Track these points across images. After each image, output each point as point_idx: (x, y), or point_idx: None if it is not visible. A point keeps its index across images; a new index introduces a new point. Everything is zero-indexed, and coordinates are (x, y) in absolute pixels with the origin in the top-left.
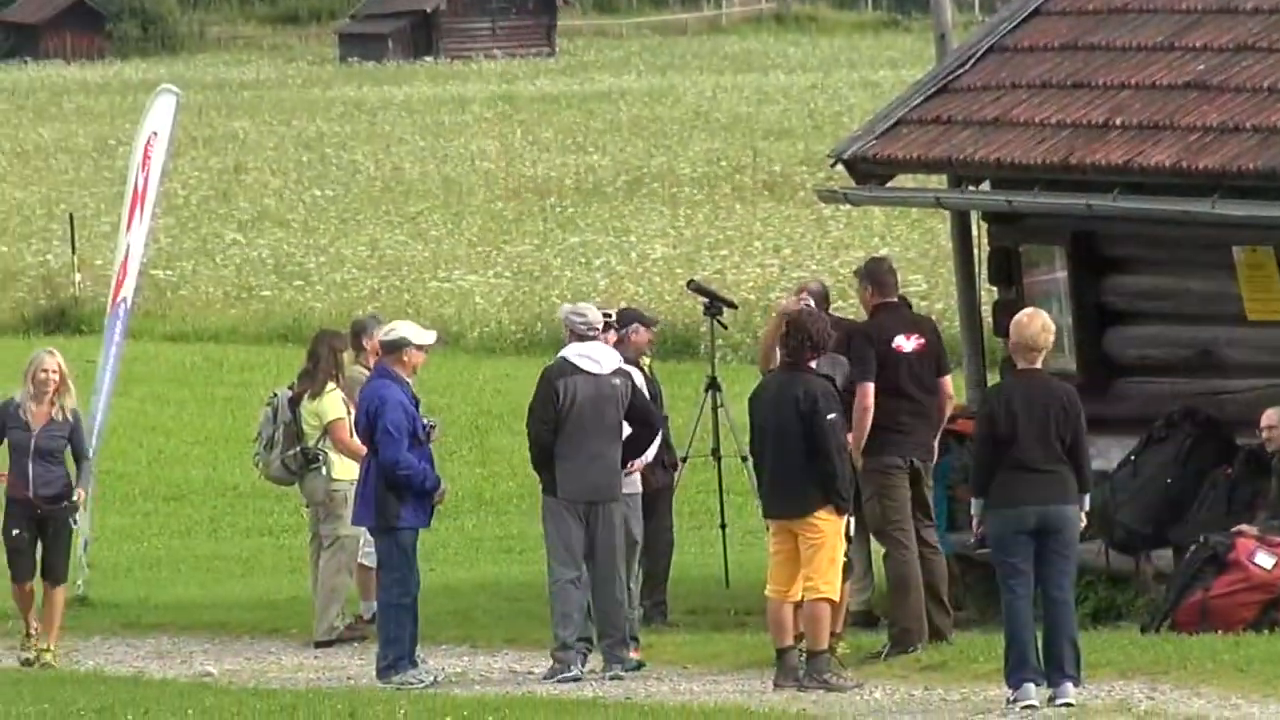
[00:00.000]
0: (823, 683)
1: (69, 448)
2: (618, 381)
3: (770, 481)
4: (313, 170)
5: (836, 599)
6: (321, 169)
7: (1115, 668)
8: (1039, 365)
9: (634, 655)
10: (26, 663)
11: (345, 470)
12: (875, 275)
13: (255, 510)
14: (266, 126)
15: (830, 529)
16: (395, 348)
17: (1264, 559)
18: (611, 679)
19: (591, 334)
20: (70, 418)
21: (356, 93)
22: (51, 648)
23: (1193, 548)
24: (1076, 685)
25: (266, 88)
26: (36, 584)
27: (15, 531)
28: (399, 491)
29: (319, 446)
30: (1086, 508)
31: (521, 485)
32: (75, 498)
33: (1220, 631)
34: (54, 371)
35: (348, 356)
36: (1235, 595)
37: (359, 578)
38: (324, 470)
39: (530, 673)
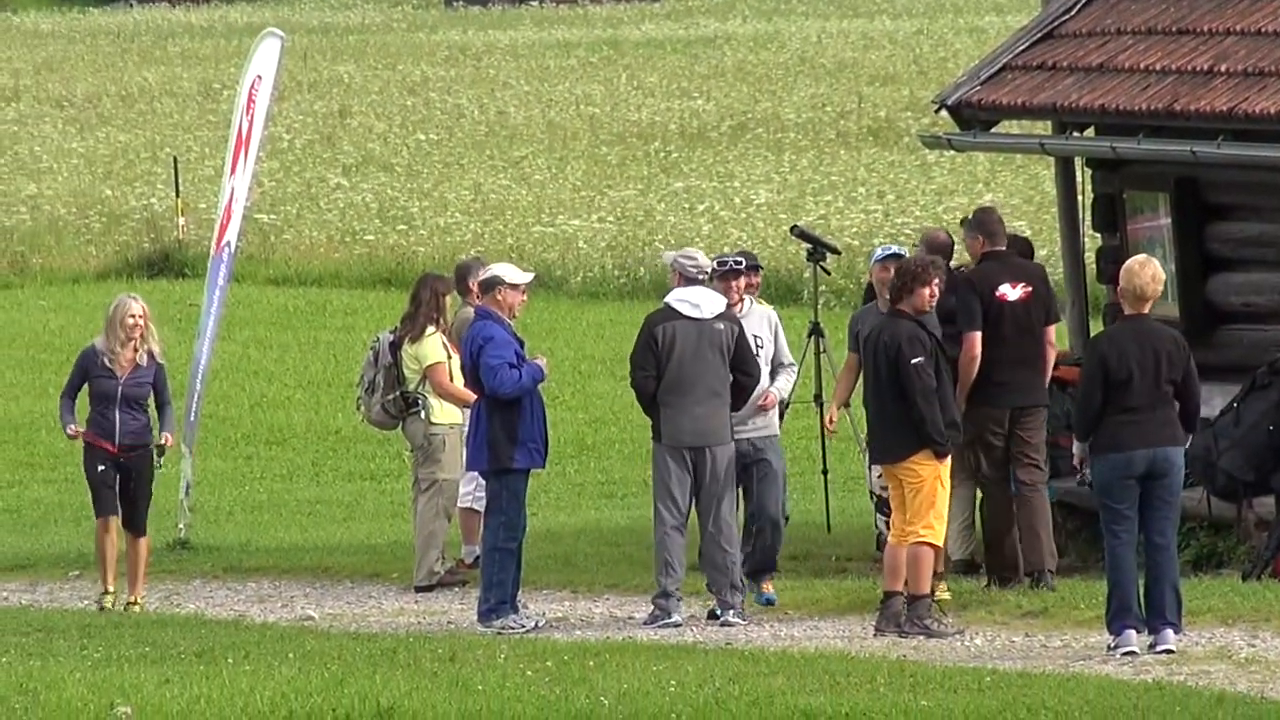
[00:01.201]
0: (924, 628)
1: (152, 394)
2: (721, 326)
3: (872, 428)
4: (417, 115)
5: (939, 543)
6: (426, 113)
7: (1216, 615)
8: (1147, 311)
9: (766, 589)
10: (103, 609)
11: (445, 414)
12: (984, 224)
13: (357, 455)
14: (371, 71)
15: (928, 473)
16: (489, 287)
17: None
18: (722, 624)
19: (701, 277)
20: (154, 362)
21: (462, 37)
22: (138, 600)
23: None
24: (1178, 632)
25: (371, 32)
26: (118, 535)
27: (101, 468)
28: (512, 432)
29: (419, 390)
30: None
31: (623, 431)
32: (163, 440)
33: None
34: (141, 316)
35: (452, 299)
36: None
37: (461, 522)
38: (424, 414)
39: (631, 618)
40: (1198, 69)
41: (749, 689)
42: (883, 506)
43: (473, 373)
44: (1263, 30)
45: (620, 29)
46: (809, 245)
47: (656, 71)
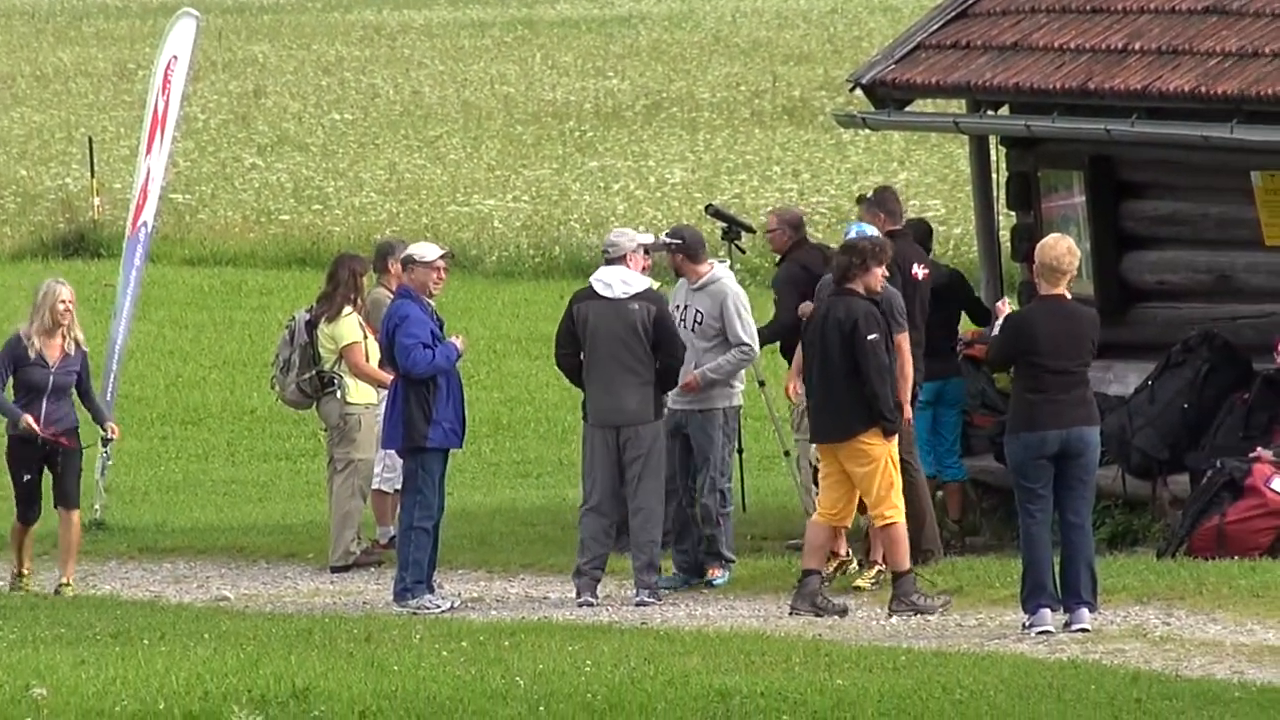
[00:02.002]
0: (910, 605)
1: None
2: (635, 306)
3: (816, 406)
4: (332, 94)
5: (903, 520)
6: (341, 93)
7: (1131, 593)
8: (1063, 290)
9: (715, 574)
10: (14, 589)
11: (360, 394)
12: (886, 203)
13: (272, 435)
14: (286, 50)
15: (879, 452)
16: (402, 266)
17: None
18: (638, 604)
19: (611, 257)
20: (80, 350)
21: (376, 16)
22: (69, 581)
23: (1209, 473)
24: (1093, 611)
25: (286, 11)
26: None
27: (27, 477)
28: (427, 411)
29: (335, 370)
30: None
31: (539, 410)
32: (110, 434)
33: (1236, 557)
34: (71, 302)
35: (370, 279)
36: (1251, 521)
37: (375, 503)
38: (339, 394)
39: (546, 598)
40: (1112, 47)
41: (664, 669)
42: None
43: (389, 352)
44: (1177, 9)
45: (535, 8)
46: (724, 224)
47: (571, 51)
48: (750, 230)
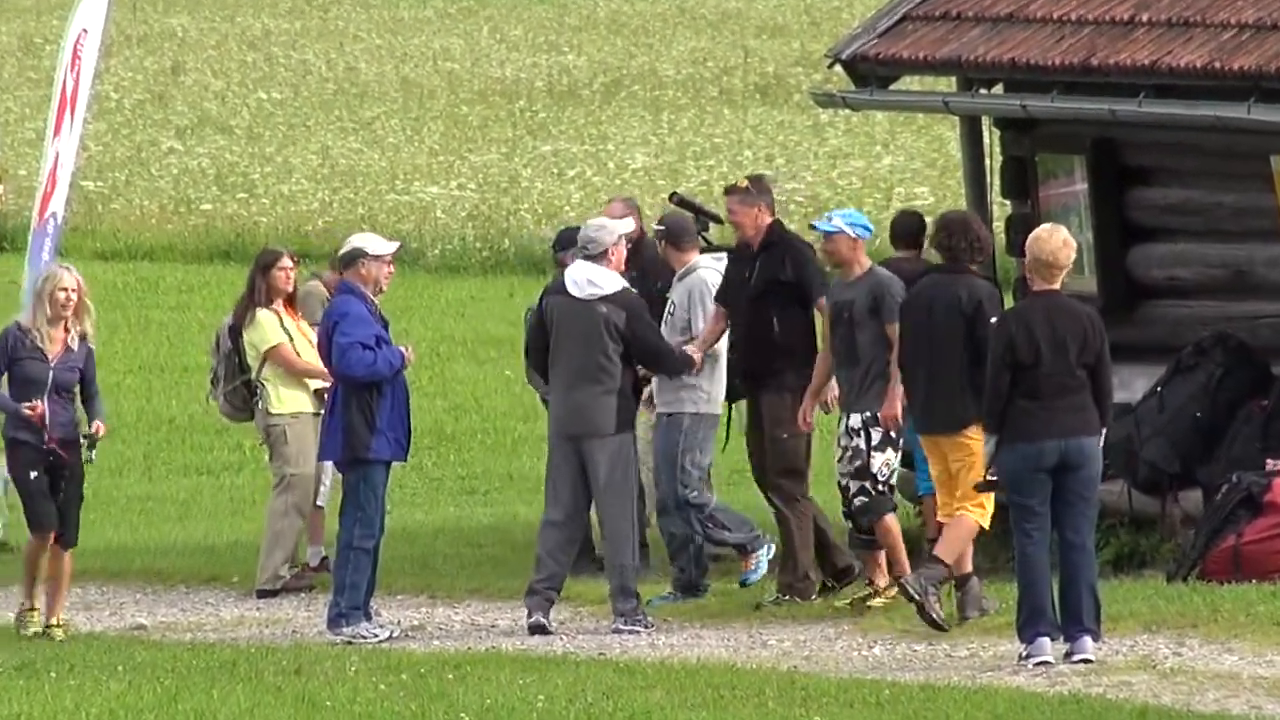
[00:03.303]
0: (924, 593)
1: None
2: (603, 309)
3: (923, 395)
4: (258, 71)
5: (986, 524)
6: (268, 70)
7: (1138, 620)
8: (1058, 286)
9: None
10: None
11: (284, 403)
12: (767, 191)
13: (193, 446)
14: (207, 23)
15: (979, 447)
16: (351, 260)
17: None
18: (613, 632)
19: (587, 250)
20: (85, 345)
21: None
22: (59, 621)
23: (1224, 488)
24: (1096, 640)
25: None
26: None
27: (34, 474)
28: (370, 419)
29: (261, 378)
30: (1102, 444)
31: (486, 419)
32: (94, 430)
33: (1254, 580)
34: (74, 290)
35: (303, 272)
36: (1270, 541)
37: (311, 520)
38: (261, 404)
39: (494, 625)
40: (1117, 19)
41: (624, 704)
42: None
43: (329, 351)
44: None
45: None
46: (690, 214)
47: (522, 23)
48: (719, 221)
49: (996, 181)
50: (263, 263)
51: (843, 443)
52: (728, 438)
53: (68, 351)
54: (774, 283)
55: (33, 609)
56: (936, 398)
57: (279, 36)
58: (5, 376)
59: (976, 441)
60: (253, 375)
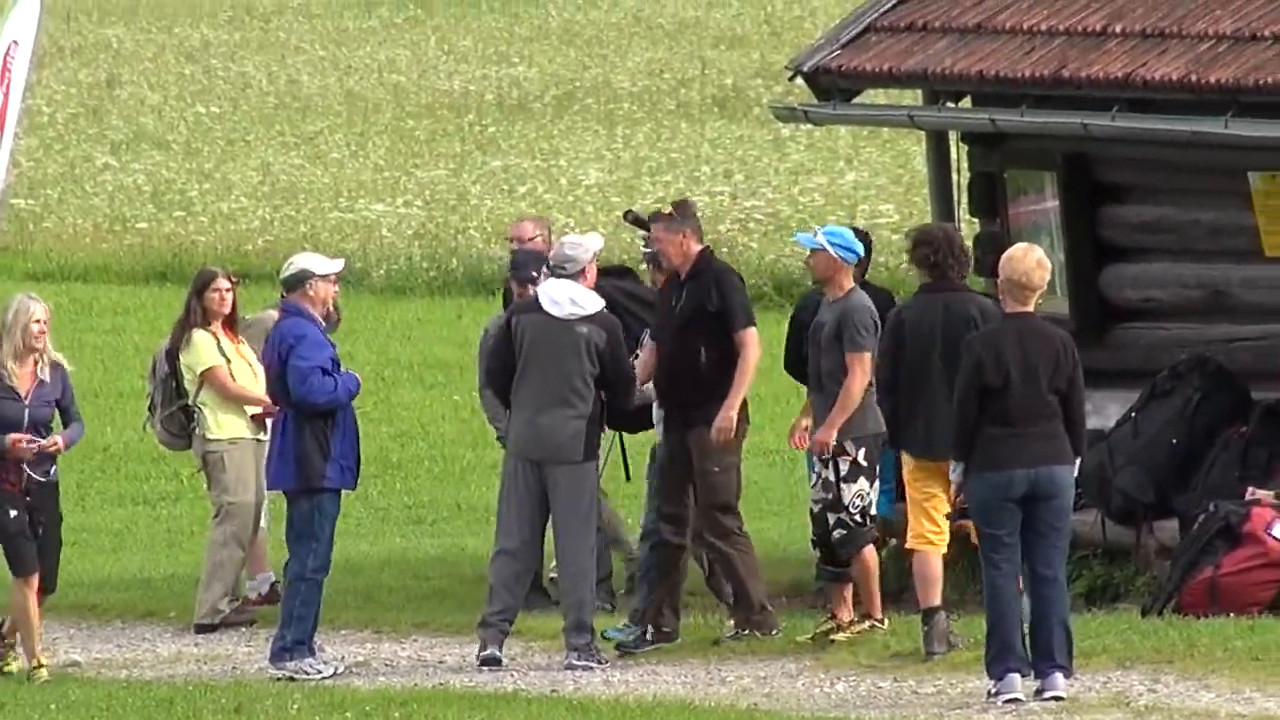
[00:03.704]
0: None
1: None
2: (584, 330)
3: (916, 417)
4: (196, 84)
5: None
6: (206, 82)
7: (1112, 656)
8: (1032, 308)
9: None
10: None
11: (222, 428)
12: (693, 216)
13: (128, 475)
14: (144, 34)
15: None
16: (297, 282)
17: None
18: (566, 668)
19: (561, 271)
20: (58, 373)
21: None
22: (41, 662)
23: (1201, 518)
24: (1068, 676)
25: None
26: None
27: (14, 513)
28: (325, 446)
29: (198, 402)
30: (1076, 473)
31: (433, 447)
32: (53, 444)
33: (1232, 614)
34: (47, 322)
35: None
36: (1249, 572)
37: (252, 551)
38: (198, 430)
39: (442, 661)
40: (1089, 29)
41: None
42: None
43: (279, 378)
44: None
45: None
46: (645, 233)
47: (470, 34)
48: None
49: (964, 199)
50: (198, 284)
51: (816, 469)
52: (628, 472)
53: (40, 385)
54: (701, 312)
55: (41, 666)
56: (934, 422)
57: (218, 48)
58: None
59: None
60: (190, 400)
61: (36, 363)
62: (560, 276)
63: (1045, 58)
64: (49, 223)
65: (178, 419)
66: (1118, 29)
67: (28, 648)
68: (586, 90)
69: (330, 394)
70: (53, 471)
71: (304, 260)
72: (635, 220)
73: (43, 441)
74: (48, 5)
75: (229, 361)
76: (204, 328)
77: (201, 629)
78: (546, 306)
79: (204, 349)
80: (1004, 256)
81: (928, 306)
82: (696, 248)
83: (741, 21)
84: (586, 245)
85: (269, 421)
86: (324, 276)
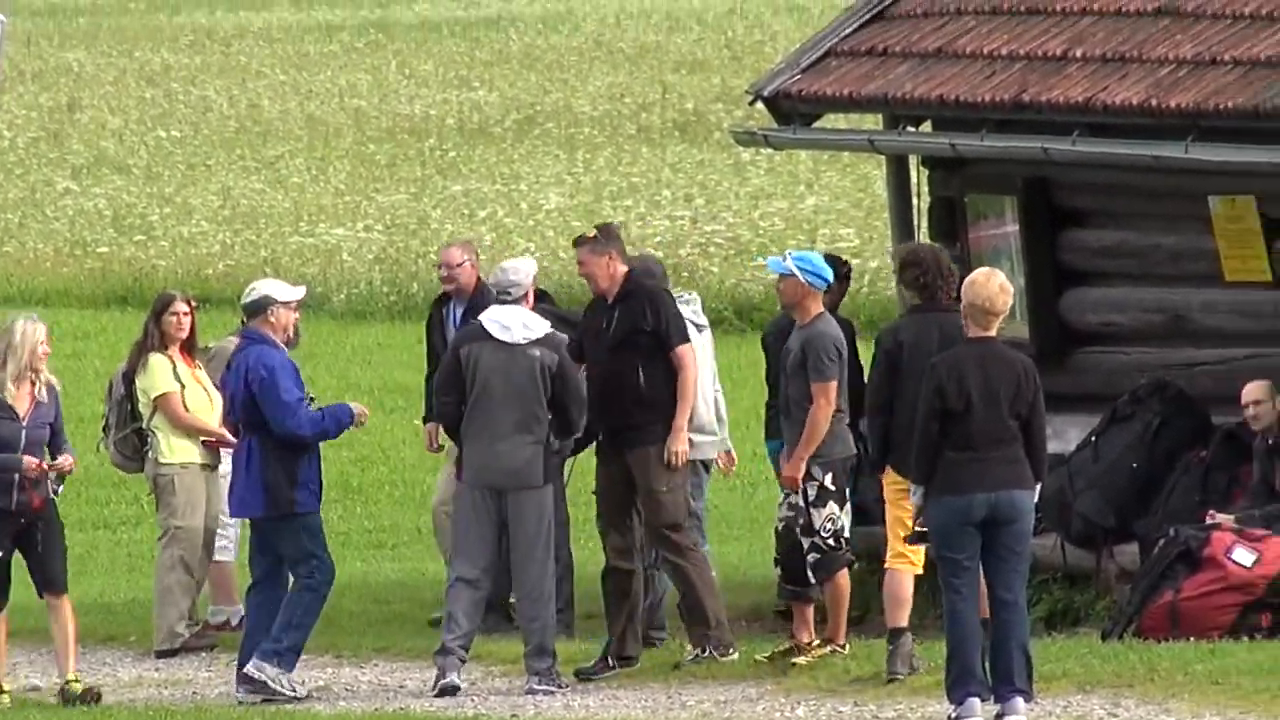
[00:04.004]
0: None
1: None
2: (536, 353)
3: (904, 438)
4: (157, 108)
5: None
6: (167, 107)
7: (1072, 680)
8: (994, 333)
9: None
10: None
11: (176, 452)
12: (617, 239)
13: (89, 500)
14: (104, 58)
15: None
16: (259, 309)
17: (1243, 555)
18: (527, 693)
19: (505, 296)
20: (52, 395)
21: (208, 19)
22: (75, 675)
23: (1161, 542)
24: (1028, 700)
25: (105, 13)
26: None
27: None
28: (293, 473)
29: (151, 426)
30: (1037, 499)
31: (394, 471)
32: (60, 462)
33: (1192, 638)
34: (46, 342)
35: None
36: (1210, 596)
37: (212, 576)
38: (151, 453)
39: (403, 686)
40: (1049, 54)
41: None
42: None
43: (247, 406)
44: (1124, 10)
45: (389, 9)
46: None
47: (431, 58)
48: None
49: (924, 223)
50: (156, 307)
51: (785, 490)
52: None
53: (37, 407)
54: (636, 332)
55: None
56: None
57: (179, 72)
58: None
59: None
60: (144, 423)
61: (34, 384)
62: (505, 302)
63: (1005, 82)
64: (9, 247)
65: (131, 441)
66: (1078, 54)
67: (63, 655)
68: (547, 114)
69: (318, 425)
70: (50, 501)
71: (265, 286)
72: None
73: (58, 462)
74: (7, 29)
75: (184, 387)
76: (161, 351)
77: (162, 654)
78: (496, 333)
79: (159, 373)
80: (967, 281)
81: (923, 327)
82: (623, 269)
83: (702, 46)
84: (525, 269)
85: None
86: (285, 303)
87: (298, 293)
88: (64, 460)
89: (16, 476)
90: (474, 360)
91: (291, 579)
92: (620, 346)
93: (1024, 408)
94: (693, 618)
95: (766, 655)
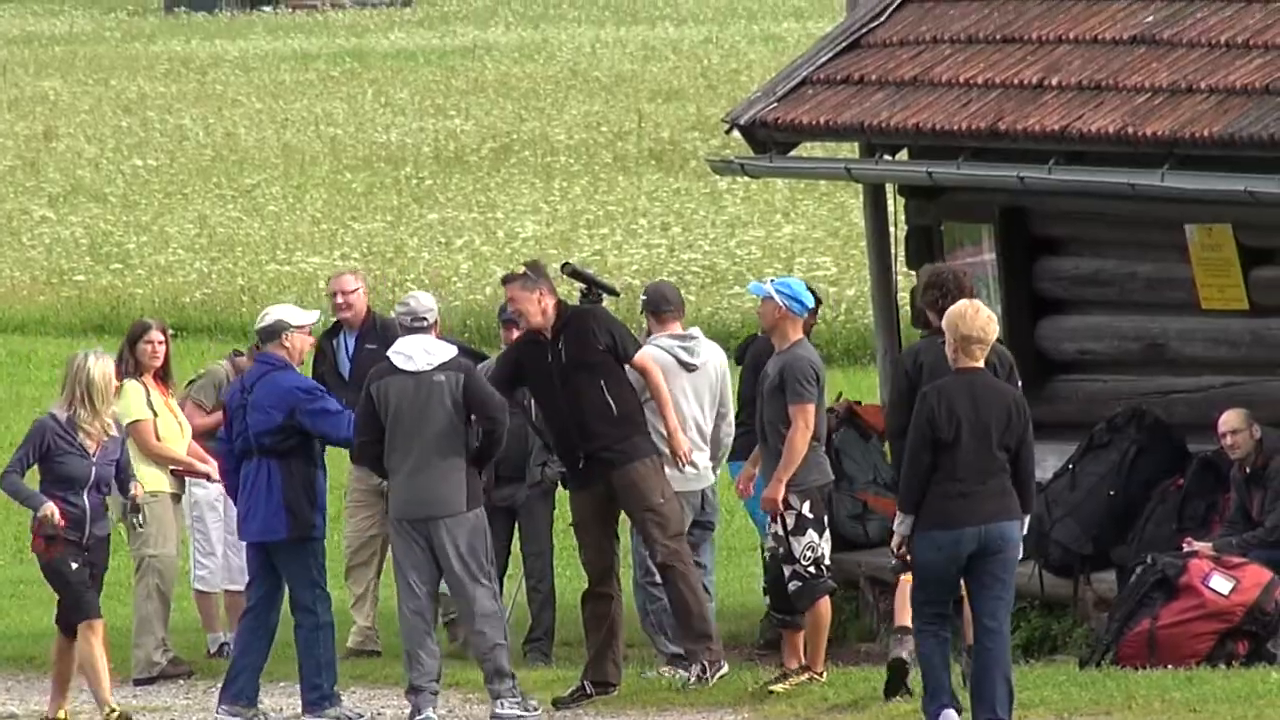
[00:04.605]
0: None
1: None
2: (441, 378)
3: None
4: (133, 137)
5: None
6: (144, 135)
7: (1050, 708)
8: (981, 363)
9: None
10: None
11: (145, 481)
12: (546, 275)
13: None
14: (80, 86)
15: None
16: (274, 333)
17: (1220, 583)
18: (493, 718)
19: (417, 325)
20: (119, 428)
21: (184, 47)
22: (113, 705)
23: (1139, 570)
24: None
25: (81, 42)
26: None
27: (75, 565)
28: (313, 495)
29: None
30: (1025, 531)
31: None
32: (134, 492)
33: (1169, 666)
34: (115, 378)
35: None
36: (1187, 624)
37: (200, 605)
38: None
39: (379, 715)
40: (1025, 82)
41: None
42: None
43: (273, 432)
44: (1100, 38)
45: (365, 38)
46: (583, 286)
47: (407, 86)
48: (613, 293)
49: (901, 251)
50: (132, 335)
51: (763, 520)
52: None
53: (106, 443)
54: (589, 353)
55: (113, 709)
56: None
57: (155, 100)
58: (39, 471)
59: None
60: None
61: (103, 420)
62: (415, 331)
63: (982, 110)
64: None
65: None
66: (1054, 82)
67: (99, 695)
68: (523, 143)
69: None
70: (108, 537)
71: (279, 311)
72: (573, 273)
73: (133, 494)
74: None
75: (156, 415)
76: (135, 378)
77: (140, 682)
78: (401, 365)
79: (133, 400)
80: (953, 313)
81: (943, 350)
82: (553, 302)
83: (678, 75)
84: (429, 301)
85: (201, 478)
86: (299, 327)
87: (311, 317)
88: (136, 490)
89: (87, 510)
90: (384, 394)
91: (293, 610)
92: (577, 372)
93: (1013, 440)
94: (696, 631)
95: (771, 685)
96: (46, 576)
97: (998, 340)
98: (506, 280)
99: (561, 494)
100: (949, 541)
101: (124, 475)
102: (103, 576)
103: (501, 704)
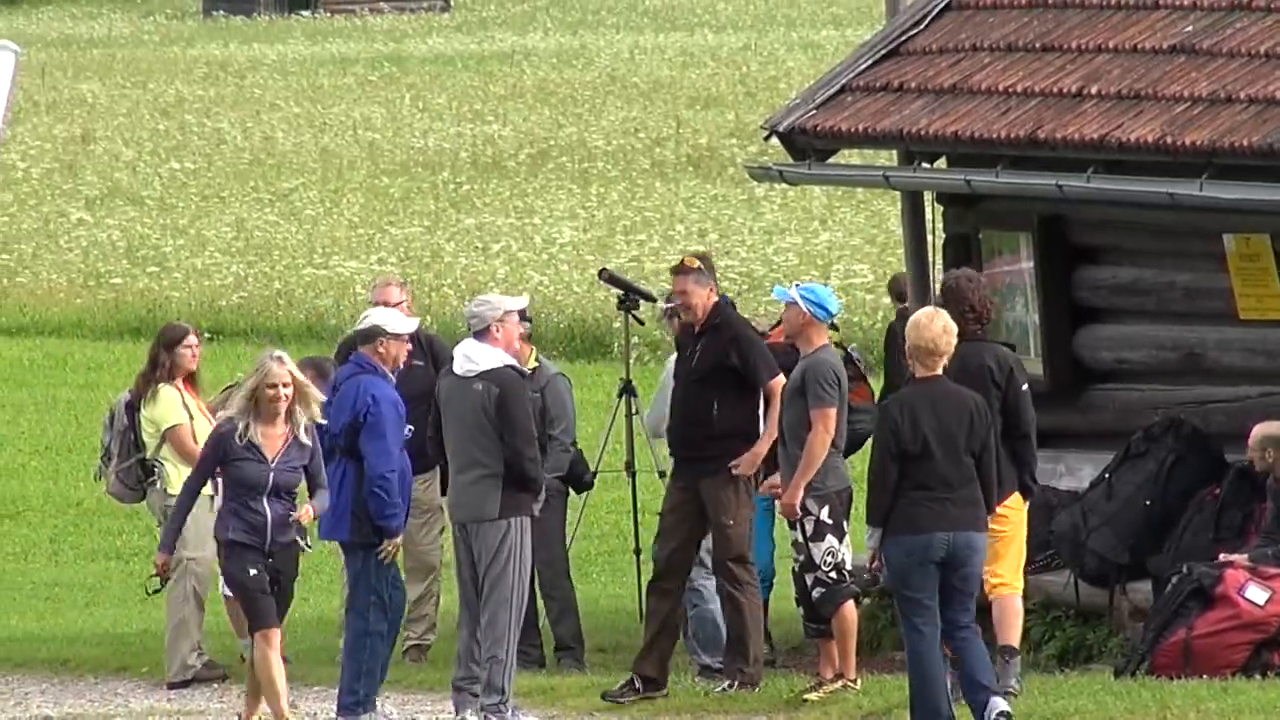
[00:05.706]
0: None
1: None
2: (479, 387)
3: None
4: (171, 140)
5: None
6: (181, 139)
7: (1086, 717)
8: (940, 371)
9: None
10: None
11: (182, 483)
12: (713, 266)
13: (101, 531)
14: (119, 90)
15: (1019, 518)
16: (368, 338)
17: (1256, 593)
18: None
19: (472, 326)
20: (311, 437)
21: (222, 51)
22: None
23: (1174, 579)
24: (1007, 693)
25: (119, 45)
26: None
27: (253, 571)
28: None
29: (156, 457)
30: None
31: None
32: (300, 515)
33: (1205, 676)
34: (287, 384)
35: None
36: (1223, 634)
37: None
38: (159, 484)
39: (415, 718)
40: (1065, 91)
41: None
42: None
43: (348, 433)
44: (1139, 47)
45: (404, 43)
46: (620, 292)
47: (445, 92)
48: (650, 299)
49: (939, 259)
50: (167, 338)
51: (792, 527)
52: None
53: (288, 448)
54: (719, 367)
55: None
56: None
57: (193, 104)
58: (221, 478)
59: (1016, 510)
60: (148, 454)
61: (287, 423)
62: (475, 335)
63: (1021, 119)
64: (23, 278)
65: (135, 472)
66: (1094, 90)
67: (274, 707)
68: (561, 149)
69: (393, 495)
70: (297, 545)
71: (379, 316)
72: (610, 279)
73: (296, 515)
74: (22, 60)
75: (192, 419)
76: (169, 382)
77: (174, 685)
78: (454, 367)
79: (170, 405)
80: (910, 323)
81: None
82: (714, 299)
83: (717, 82)
84: (494, 303)
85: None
86: (395, 335)
87: (410, 325)
88: (302, 511)
89: (269, 516)
90: (439, 393)
91: (347, 611)
92: (702, 379)
93: (978, 445)
94: (735, 651)
95: (805, 693)
96: (227, 583)
97: (1003, 343)
98: (678, 271)
99: (574, 500)
100: (919, 546)
101: (314, 484)
102: (291, 585)
103: (468, 712)
